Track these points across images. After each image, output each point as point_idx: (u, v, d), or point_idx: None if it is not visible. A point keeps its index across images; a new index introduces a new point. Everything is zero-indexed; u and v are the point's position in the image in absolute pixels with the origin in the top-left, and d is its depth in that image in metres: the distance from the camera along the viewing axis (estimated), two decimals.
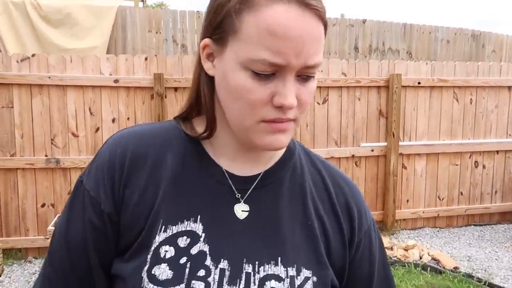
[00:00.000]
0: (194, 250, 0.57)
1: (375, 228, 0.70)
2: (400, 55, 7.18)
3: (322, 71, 3.95)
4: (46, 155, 3.54)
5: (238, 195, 0.61)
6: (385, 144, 4.17)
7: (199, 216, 0.59)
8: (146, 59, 3.66)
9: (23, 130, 3.50)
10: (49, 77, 3.46)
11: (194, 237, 0.57)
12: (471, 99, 4.43)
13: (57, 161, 3.53)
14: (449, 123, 4.39)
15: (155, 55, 3.77)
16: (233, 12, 0.52)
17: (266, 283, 0.57)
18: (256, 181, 0.62)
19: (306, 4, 0.50)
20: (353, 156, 4.13)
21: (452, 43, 7.45)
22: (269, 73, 0.52)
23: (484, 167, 4.55)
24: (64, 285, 0.61)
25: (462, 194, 4.53)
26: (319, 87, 3.96)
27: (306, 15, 0.50)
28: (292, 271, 0.59)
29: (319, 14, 0.52)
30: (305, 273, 0.60)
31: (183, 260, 0.56)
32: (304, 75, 0.54)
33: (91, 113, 3.59)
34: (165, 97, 3.65)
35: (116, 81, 3.57)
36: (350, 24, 7.28)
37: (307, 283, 0.59)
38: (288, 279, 0.59)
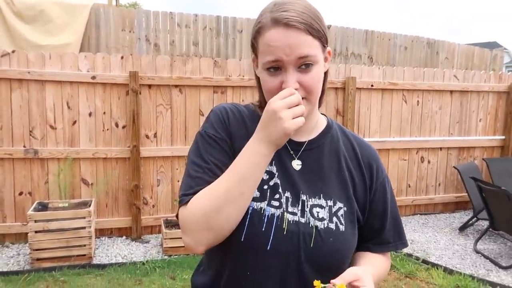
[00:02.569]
0: (271, 182, 0.87)
1: (388, 181, 0.99)
2: (362, 59, 7.67)
3: None
4: (24, 146, 3.73)
5: (292, 153, 0.90)
6: None
7: (273, 162, 0.88)
8: (122, 57, 3.91)
9: (2, 122, 3.67)
10: (29, 73, 3.66)
11: (271, 175, 0.88)
12: (418, 101, 4.93)
13: (35, 152, 3.74)
14: (398, 122, 4.87)
15: (131, 54, 4.02)
16: (254, 39, 0.85)
17: (313, 209, 0.87)
18: (304, 146, 0.91)
19: (288, 25, 0.79)
20: None
21: (409, 49, 8.01)
22: (277, 70, 0.81)
23: (429, 162, 5.06)
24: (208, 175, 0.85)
25: (409, 186, 5.02)
26: None
27: (289, 32, 0.78)
28: (330, 202, 0.88)
29: (301, 29, 0.79)
30: (339, 204, 0.89)
31: (265, 187, 0.86)
32: (302, 67, 0.80)
33: (68, 107, 3.81)
34: (140, 93, 3.92)
35: (93, 77, 3.81)
36: None
37: (340, 210, 0.89)
38: (327, 208, 0.88)
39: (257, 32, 0.83)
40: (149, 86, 3.97)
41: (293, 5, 0.81)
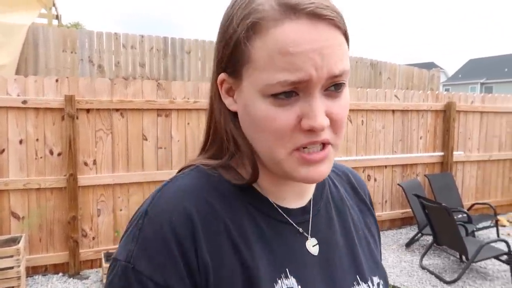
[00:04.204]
0: None
1: None
2: None
3: None
4: None
5: (301, 231, 0.58)
6: None
7: (287, 270, 0.54)
8: (57, 80, 3.69)
9: None
10: None
11: None
12: (362, 120, 5.06)
13: None
14: (344, 141, 4.96)
15: (67, 77, 3.80)
16: (242, 41, 0.49)
17: None
18: (311, 209, 0.60)
19: (317, 16, 0.46)
20: None
21: (354, 70, 8.30)
22: (292, 95, 0.48)
23: (375, 180, 5.18)
24: None
25: None
26: None
27: (318, 27, 0.46)
28: (370, 284, 0.61)
29: (334, 23, 0.48)
30: (376, 280, 0.62)
31: None
32: (331, 88, 0.49)
33: None
34: (77, 118, 3.69)
35: (24, 102, 3.54)
36: None
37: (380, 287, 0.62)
38: None
39: (251, 28, 0.48)
40: (88, 110, 3.76)
41: None
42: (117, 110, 3.86)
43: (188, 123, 4.13)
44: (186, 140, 4.13)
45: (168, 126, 4.05)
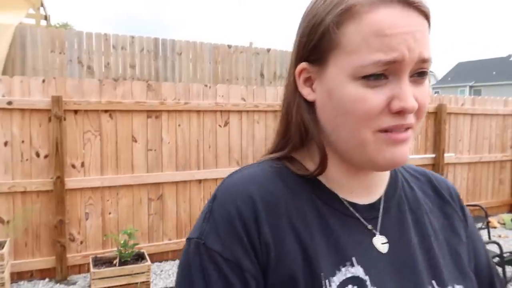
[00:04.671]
0: None
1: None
2: None
3: (223, 96, 4.23)
4: None
5: (370, 227, 0.58)
6: None
7: (353, 259, 0.54)
8: (43, 81, 3.60)
9: None
10: None
11: (361, 283, 0.53)
12: None
13: None
14: None
15: (54, 78, 3.71)
16: (332, 27, 0.51)
17: None
18: (381, 208, 0.60)
19: (408, 3, 0.50)
20: None
21: None
22: (381, 78, 0.50)
23: None
24: None
25: None
26: (220, 111, 4.23)
27: (410, 13, 0.50)
28: None
29: (423, 11, 0.51)
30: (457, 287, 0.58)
31: None
32: (417, 74, 0.52)
33: None
34: (64, 119, 3.61)
35: (9, 103, 3.45)
36: (256, 52, 7.78)
37: None
38: None
39: (344, 14, 0.50)
40: (75, 111, 3.67)
41: None
42: (106, 111, 3.78)
43: (179, 125, 4.06)
44: (177, 142, 4.07)
45: (158, 127, 3.99)
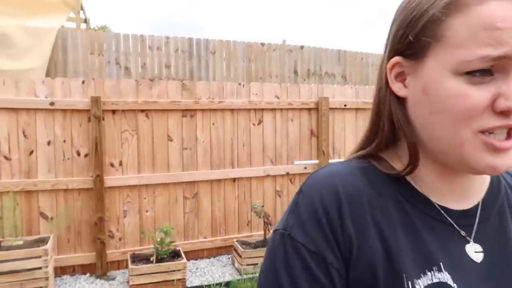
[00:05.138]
0: None
1: None
2: (336, 79, 7.69)
3: (256, 94, 4.21)
4: None
5: (463, 233, 0.54)
6: (317, 161, 4.48)
7: (441, 264, 0.51)
8: (83, 82, 3.71)
9: None
10: None
11: None
12: None
13: None
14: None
15: (93, 78, 3.82)
16: (436, 20, 0.49)
17: None
18: (478, 214, 0.55)
19: None
20: (287, 173, 4.38)
21: (370, 67, 8.10)
22: (487, 75, 0.47)
23: None
24: None
25: None
26: (254, 109, 4.20)
27: None
28: None
29: None
30: None
31: None
32: None
33: (25, 136, 3.55)
34: (103, 119, 3.71)
35: (52, 103, 3.58)
36: (289, 50, 7.71)
37: None
38: None
39: (451, 5, 0.47)
40: (113, 111, 3.77)
41: None
42: (142, 111, 3.85)
43: (213, 124, 4.08)
44: (211, 140, 4.08)
45: (193, 126, 4.02)
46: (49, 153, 3.62)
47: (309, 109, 4.44)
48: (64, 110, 3.64)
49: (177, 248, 3.65)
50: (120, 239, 3.84)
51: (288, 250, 0.52)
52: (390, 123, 0.56)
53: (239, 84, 4.19)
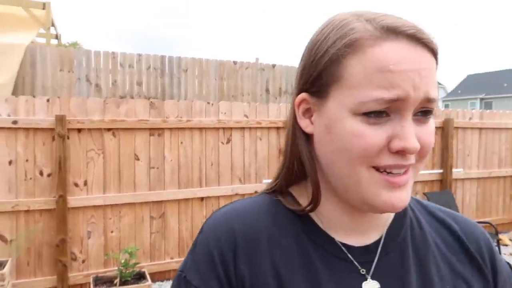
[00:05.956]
0: None
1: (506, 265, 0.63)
2: None
3: (225, 113, 4.24)
4: None
5: (362, 271, 0.54)
6: None
7: None
8: (48, 100, 3.65)
9: None
10: None
11: None
12: None
13: None
14: None
15: (58, 97, 3.76)
16: (335, 61, 0.49)
17: None
18: (379, 250, 0.55)
19: (416, 39, 0.47)
20: (256, 192, 4.35)
21: None
22: (383, 116, 0.48)
23: None
24: None
25: None
26: (222, 128, 4.23)
27: (417, 49, 0.47)
28: None
29: (431, 48, 0.49)
30: None
31: None
32: (421, 113, 0.49)
33: None
34: (68, 138, 3.64)
35: (14, 122, 3.50)
36: (261, 68, 7.82)
37: None
38: None
39: (348, 47, 0.48)
40: (79, 130, 3.71)
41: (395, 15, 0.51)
42: (109, 129, 3.81)
43: (181, 142, 4.07)
44: (179, 159, 4.07)
45: (160, 145, 4.00)
46: (10, 173, 3.52)
47: (278, 128, 4.50)
48: (27, 129, 3.56)
49: (142, 270, 3.58)
50: (83, 261, 3.74)
51: None
52: (299, 159, 0.56)
53: (208, 103, 4.22)
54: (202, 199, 4.15)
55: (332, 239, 0.55)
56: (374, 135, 0.47)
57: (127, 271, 3.38)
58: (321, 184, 0.55)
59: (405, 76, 0.46)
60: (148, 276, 3.46)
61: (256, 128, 4.38)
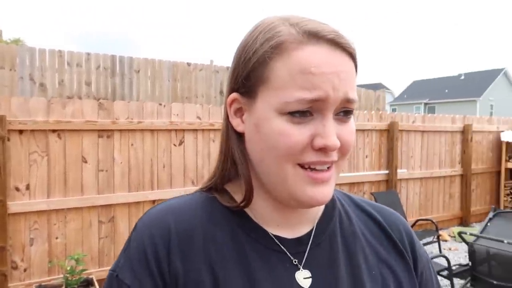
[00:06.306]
0: None
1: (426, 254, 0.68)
2: None
3: (178, 114, 4.20)
4: None
5: (295, 261, 0.56)
6: None
7: None
8: None
9: None
10: None
11: None
12: None
13: None
14: None
15: None
16: (262, 62, 0.52)
17: None
18: (310, 242, 0.59)
19: (336, 43, 0.51)
20: None
21: None
22: (307, 115, 0.51)
23: None
24: None
25: None
26: (175, 130, 4.18)
27: (337, 53, 0.51)
28: None
29: (350, 52, 0.52)
30: None
31: None
32: (342, 113, 0.53)
33: None
34: (8, 140, 3.44)
35: None
36: (215, 70, 7.81)
37: None
38: None
39: (274, 50, 0.51)
40: (20, 131, 3.51)
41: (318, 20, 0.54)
42: (54, 131, 3.64)
43: (132, 144, 3.98)
44: (130, 161, 3.97)
45: (110, 147, 3.88)
46: None
47: (214, 130, 4.50)
48: None
49: (90, 277, 3.44)
50: (25, 269, 3.54)
51: None
52: (232, 157, 0.59)
53: (160, 104, 4.16)
54: (153, 202, 4.06)
55: (266, 232, 0.58)
56: (298, 133, 0.50)
57: (73, 278, 3.24)
58: (253, 181, 0.57)
59: (325, 78, 0.49)
60: (96, 283, 3.34)
61: (210, 130, 4.37)
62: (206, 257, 0.54)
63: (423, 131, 6.15)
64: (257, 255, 0.56)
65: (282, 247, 0.57)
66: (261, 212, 0.59)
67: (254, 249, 0.56)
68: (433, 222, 5.14)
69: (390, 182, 5.66)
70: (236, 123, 0.58)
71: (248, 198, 0.57)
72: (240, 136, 0.58)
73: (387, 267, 0.61)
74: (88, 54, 6.83)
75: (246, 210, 0.59)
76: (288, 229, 0.59)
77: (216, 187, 0.62)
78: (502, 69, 36.07)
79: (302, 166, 0.52)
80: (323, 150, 0.51)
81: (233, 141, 0.58)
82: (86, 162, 3.77)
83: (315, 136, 0.51)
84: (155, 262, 0.52)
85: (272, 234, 0.58)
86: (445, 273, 3.97)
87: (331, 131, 0.50)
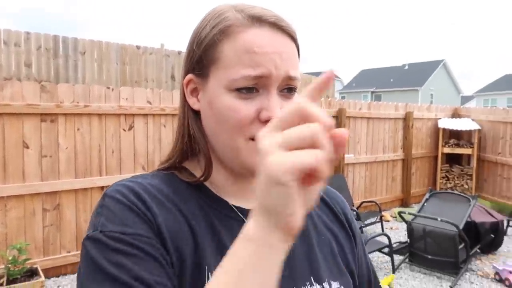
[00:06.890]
0: None
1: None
2: None
3: (127, 99, 4.08)
4: None
5: None
6: None
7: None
8: None
9: None
10: None
11: None
12: None
13: None
14: None
15: None
16: (212, 45, 0.57)
17: None
18: None
19: (277, 26, 0.56)
20: None
21: None
22: (253, 91, 0.55)
23: None
24: None
25: None
26: (124, 115, 4.07)
27: (278, 35, 0.56)
28: (326, 286, 0.63)
29: (290, 34, 0.58)
30: (335, 285, 0.64)
31: None
32: (286, 90, 0.57)
33: None
34: None
35: None
36: (166, 54, 7.63)
37: None
38: None
39: (222, 33, 0.57)
40: None
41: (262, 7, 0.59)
42: None
43: (78, 129, 3.82)
44: (76, 147, 3.82)
45: (54, 132, 3.70)
46: None
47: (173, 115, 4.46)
48: None
49: (34, 266, 3.31)
50: None
51: (108, 244, 0.50)
52: (189, 135, 0.62)
53: (108, 88, 4.01)
54: (102, 188, 3.95)
55: (226, 203, 0.62)
56: (245, 108, 0.55)
57: (16, 269, 3.10)
58: (211, 155, 0.62)
59: (267, 57, 0.55)
60: (41, 272, 3.22)
61: (160, 115, 4.30)
62: (179, 212, 0.57)
63: (368, 118, 6.44)
64: (221, 223, 0.60)
65: (241, 215, 0.61)
66: (220, 185, 0.63)
67: (218, 217, 0.60)
68: (376, 204, 5.45)
69: (337, 166, 5.90)
70: (192, 102, 0.62)
71: (207, 172, 0.61)
72: (197, 114, 0.62)
73: (332, 234, 0.70)
74: (28, 33, 6.40)
75: (206, 184, 0.63)
76: (246, 199, 0.64)
77: (174, 165, 0.64)
78: (441, 61, 38.34)
79: (253, 139, 0.56)
80: (269, 122, 0.55)
81: (191, 119, 0.63)
82: (27, 147, 3.58)
83: (261, 110, 0.55)
84: (138, 210, 0.53)
85: (233, 204, 0.62)
86: (386, 250, 4.25)
87: (276, 105, 0.55)
